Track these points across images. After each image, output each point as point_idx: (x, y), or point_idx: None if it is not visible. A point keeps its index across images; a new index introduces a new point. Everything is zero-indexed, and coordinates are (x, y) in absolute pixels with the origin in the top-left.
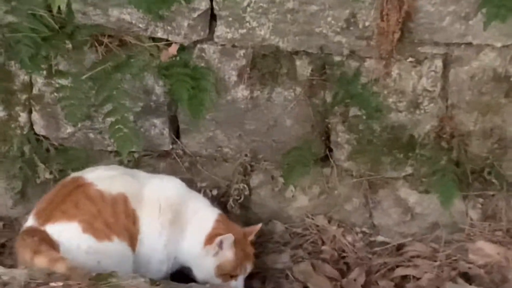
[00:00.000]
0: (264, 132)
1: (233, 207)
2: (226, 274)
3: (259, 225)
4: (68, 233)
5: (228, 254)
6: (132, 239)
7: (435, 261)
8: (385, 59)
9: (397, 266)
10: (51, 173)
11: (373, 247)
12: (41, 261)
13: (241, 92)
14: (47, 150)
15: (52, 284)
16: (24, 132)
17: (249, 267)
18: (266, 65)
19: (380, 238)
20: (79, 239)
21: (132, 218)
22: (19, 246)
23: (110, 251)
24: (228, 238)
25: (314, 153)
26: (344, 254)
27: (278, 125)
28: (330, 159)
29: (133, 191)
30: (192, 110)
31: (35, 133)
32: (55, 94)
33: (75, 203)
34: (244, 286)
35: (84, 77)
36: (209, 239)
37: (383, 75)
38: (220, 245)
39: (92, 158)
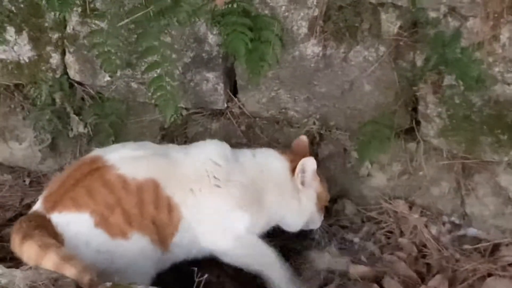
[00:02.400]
0: (337, 97)
1: None
2: (324, 205)
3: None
4: (76, 226)
5: (315, 178)
6: (161, 233)
7: None
8: (493, 20)
9: (489, 275)
10: (85, 126)
11: (462, 243)
12: (29, 248)
13: (312, 48)
14: (82, 99)
15: None
16: (57, 76)
17: None
18: (343, 18)
19: (472, 232)
20: (89, 234)
21: (166, 208)
22: (13, 232)
23: (126, 250)
24: (309, 161)
25: (397, 124)
26: (426, 251)
27: (354, 89)
28: (417, 133)
29: (166, 174)
30: (251, 65)
31: (69, 78)
32: (90, 37)
33: (88, 190)
34: None
35: (121, 23)
36: (292, 167)
37: (489, 38)
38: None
39: (133, 111)
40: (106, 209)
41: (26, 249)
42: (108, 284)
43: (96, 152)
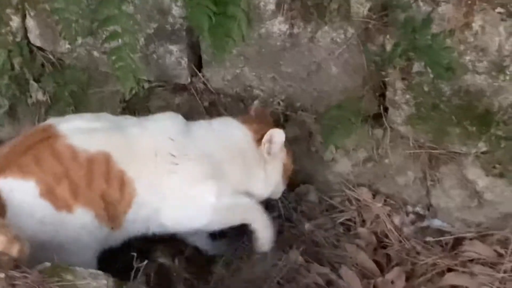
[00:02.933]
0: (303, 78)
1: None
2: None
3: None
4: (20, 194)
5: (283, 150)
6: (111, 209)
7: (498, 271)
8: (466, 6)
9: (449, 270)
10: (44, 93)
11: (425, 235)
12: None
13: (278, 26)
14: (42, 65)
15: None
16: (17, 40)
17: None
18: None
19: (436, 223)
20: (34, 203)
21: (117, 183)
22: None
23: (70, 224)
24: (278, 132)
25: (364, 109)
26: (387, 242)
27: (321, 71)
28: (384, 120)
29: (120, 148)
30: (216, 41)
31: (29, 43)
32: (51, 2)
33: (37, 157)
34: None
35: None
36: (258, 136)
37: (461, 26)
38: (273, 140)
39: (94, 81)
40: (53, 180)
41: None
42: (47, 264)
43: (51, 121)
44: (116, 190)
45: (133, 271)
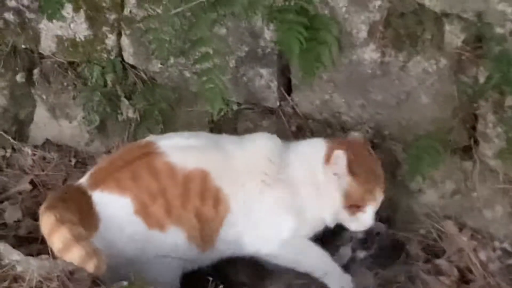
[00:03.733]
0: (392, 106)
1: None
2: (353, 205)
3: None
4: (115, 208)
5: (347, 175)
6: (204, 229)
7: None
8: None
9: None
10: (135, 111)
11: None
12: (47, 218)
13: (370, 53)
14: (134, 83)
15: None
16: (111, 58)
17: (380, 193)
18: (405, 25)
19: None
20: (127, 219)
21: (212, 200)
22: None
23: (160, 242)
24: (340, 155)
25: (453, 141)
26: (470, 277)
27: (411, 100)
28: (474, 152)
29: (218, 165)
30: (305, 65)
31: (123, 61)
32: (146, 22)
33: (134, 174)
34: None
35: (174, 11)
36: (328, 157)
37: None
38: (335, 161)
39: (184, 100)
40: (148, 197)
41: (45, 219)
42: (124, 283)
43: (150, 138)
44: (211, 207)
45: None
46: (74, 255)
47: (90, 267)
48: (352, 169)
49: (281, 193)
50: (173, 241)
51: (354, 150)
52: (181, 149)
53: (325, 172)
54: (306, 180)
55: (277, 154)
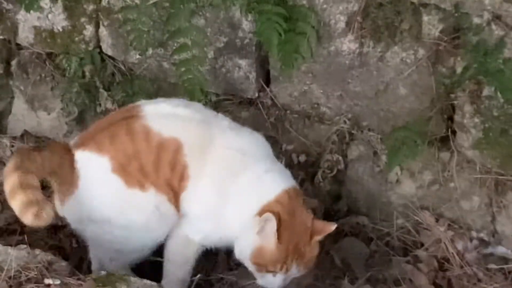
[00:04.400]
0: (370, 97)
1: (321, 182)
2: (262, 265)
3: (333, 226)
4: (94, 167)
5: (270, 240)
6: (173, 196)
7: None
8: None
9: None
10: (113, 102)
11: (488, 262)
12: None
13: (348, 44)
14: (112, 74)
15: (47, 281)
16: (89, 49)
17: (298, 269)
18: (383, 16)
19: (500, 250)
20: (105, 177)
21: (179, 174)
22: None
23: (142, 202)
24: (271, 221)
25: (431, 132)
26: (447, 267)
27: (389, 91)
28: (451, 143)
29: (195, 140)
30: (284, 57)
31: (101, 52)
32: (123, 13)
33: (112, 134)
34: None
35: (151, 2)
36: (263, 210)
37: None
38: (265, 222)
39: (163, 92)
40: (124, 158)
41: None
42: (102, 272)
43: (140, 102)
44: (177, 180)
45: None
46: (17, 202)
47: (28, 216)
48: (278, 235)
49: (219, 201)
50: (154, 203)
51: (288, 209)
52: (162, 116)
53: (253, 220)
54: (243, 209)
55: (249, 166)
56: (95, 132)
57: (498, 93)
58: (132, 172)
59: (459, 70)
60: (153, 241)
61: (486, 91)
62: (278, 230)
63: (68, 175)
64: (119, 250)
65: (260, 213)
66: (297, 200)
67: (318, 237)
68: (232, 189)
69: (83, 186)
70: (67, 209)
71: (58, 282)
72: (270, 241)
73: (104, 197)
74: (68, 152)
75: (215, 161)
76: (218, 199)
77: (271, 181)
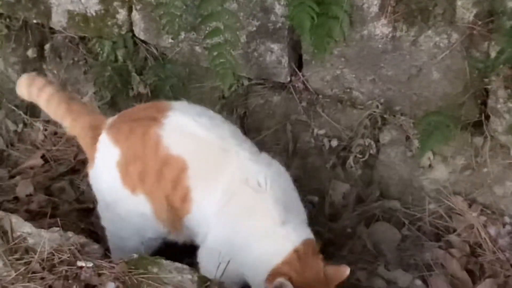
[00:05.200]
0: (403, 82)
1: (352, 166)
2: None
3: (347, 270)
4: (106, 154)
5: None
6: (170, 211)
7: None
8: None
9: None
10: (145, 86)
11: None
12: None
13: (381, 28)
14: (145, 58)
15: (80, 263)
16: (122, 33)
17: None
18: (416, 0)
19: None
20: (110, 168)
21: (181, 194)
22: None
23: (129, 203)
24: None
25: (464, 116)
26: (480, 252)
27: (421, 76)
28: (485, 128)
29: (203, 165)
30: (317, 40)
31: (134, 36)
32: None
33: (131, 131)
34: None
35: None
36: (273, 276)
37: None
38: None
39: (195, 76)
40: (132, 156)
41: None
42: (135, 255)
43: (173, 103)
44: (178, 199)
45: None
46: None
47: None
48: None
49: (230, 240)
50: (141, 209)
51: (302, 267)
52: (179, 131)
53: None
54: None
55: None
56: (123, 120)
57: None
58: (131, 173)
59: (493, 54)
60: (141, 238)
61: None
62: None
63: (89, 147)
64: (118, 237)
65: (269, 279)
66: (308, 254)
67: (335, 284)
68: (243, 233)
69: (98, 165)
70: (90, 178)
71: (90, 264)
72: None
73: (106, 184)
74: (100, 127)
75: (227, 193)
76: (229, 238)
77: (283, 238)
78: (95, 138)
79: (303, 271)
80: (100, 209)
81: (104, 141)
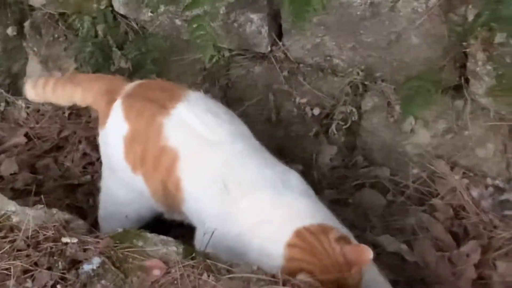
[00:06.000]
0: (383, 48)
1: (335, 134)
2: None
3: (369, 252)
4: (116, 124)
5: None
6: (167, 196)
7: None
8: None
9: None
10: (127, 61)
11: (504, 208)
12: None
13: None
14: (125, 33)
15: (65, 239)
16: (101, 7)
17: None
18: None
19: None
20: (117, 140)
21: (174, 182)
22: None
23: (130, 179)
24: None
25: (444, 80)
26: (463, 214)
27: (401, 41)
28: (465, 91)
29: (193, 158)
30: (296, 9)
31: (113, 11)
32: None
33: (141, 111)
34: None
35: None
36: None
37: None
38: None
39: (176, 49)
40: (137, 135)
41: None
42: (119, 230)
43: (188, 94)
44: (173, 186)
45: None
46: None
47: None
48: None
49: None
50: (140, 188)
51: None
52: (180, 123)
53: None
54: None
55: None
56: (139, 95)
57: (510, 40)
58: (135, 152)
59: (471, 17)
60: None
61: (499, 38)
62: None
63: (104, 109)
64: (113, 201)
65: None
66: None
67: (357, 268)
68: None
69: (108, 130)
70: (100, 137)
71: (75, 240)
72: None
73: (112, 150)
74: (117, 92)
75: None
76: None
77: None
78: (110, 102)
79: (311, 257)
80: (103, 168)
81: (118, 111)
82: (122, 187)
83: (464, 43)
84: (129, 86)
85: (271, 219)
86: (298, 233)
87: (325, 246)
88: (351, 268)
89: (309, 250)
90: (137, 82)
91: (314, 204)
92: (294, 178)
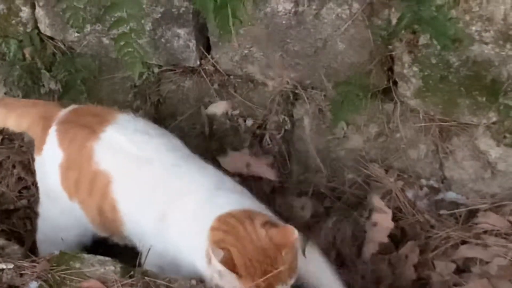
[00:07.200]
0: (310, 55)
1: (269, 144)
2: None
3: (294, 232)
4: (50, 152)
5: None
6: (104, 222)
7: None
8: None
9: (463, 242)
10: (56, 82)
11: (440, 208)
12: None
13: (283, 4)
14: (53, 54)
15: (0, 266)
16: (27, 30)
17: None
18: None
19: (450, 195)
20: (53, 168)
21: (111, 205)
22: None
23: (69, 207)
24: (217, 253)
25: (373, 84)
26: (400, 216)
27: (328, 48)
28: (394, 93)
29: (127, 178)
30: (222, 22)
31: (40, 33)
32: None
33: (73, 138)
34: None
35: None
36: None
37: None
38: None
39: (106, 67)
40: (71, 162)
41: None
42: (56, 252)
43: (117, 116)
44: (110, 210)
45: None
46: None
47: None
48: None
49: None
50: (78, 215)
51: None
52: (111, 146)
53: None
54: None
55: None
56: (71, 121)
57: (434, 41)
58: (70, 179)
59: (394, 21)
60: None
61: (422, 40)
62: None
63: (39, 136)
64: (53, 226)
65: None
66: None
67: (286, 250)
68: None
69: (44, 157)
70: (36, 164)
71: (11, 266)
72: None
73: (49, 177)
74: (51, 119)
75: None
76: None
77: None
78: (45, 129)
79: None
80: (40, 194)
81: (52, 138)
82: (61, 214)
83: (390, 46)
84: (63, 112)
85: (196, 217)
86: (220, 218)
87: (249, 229)
88: (281, 251)
89: (232, 232)
90: (70, 107)
91: (241, 196)
92: (228, 181)
